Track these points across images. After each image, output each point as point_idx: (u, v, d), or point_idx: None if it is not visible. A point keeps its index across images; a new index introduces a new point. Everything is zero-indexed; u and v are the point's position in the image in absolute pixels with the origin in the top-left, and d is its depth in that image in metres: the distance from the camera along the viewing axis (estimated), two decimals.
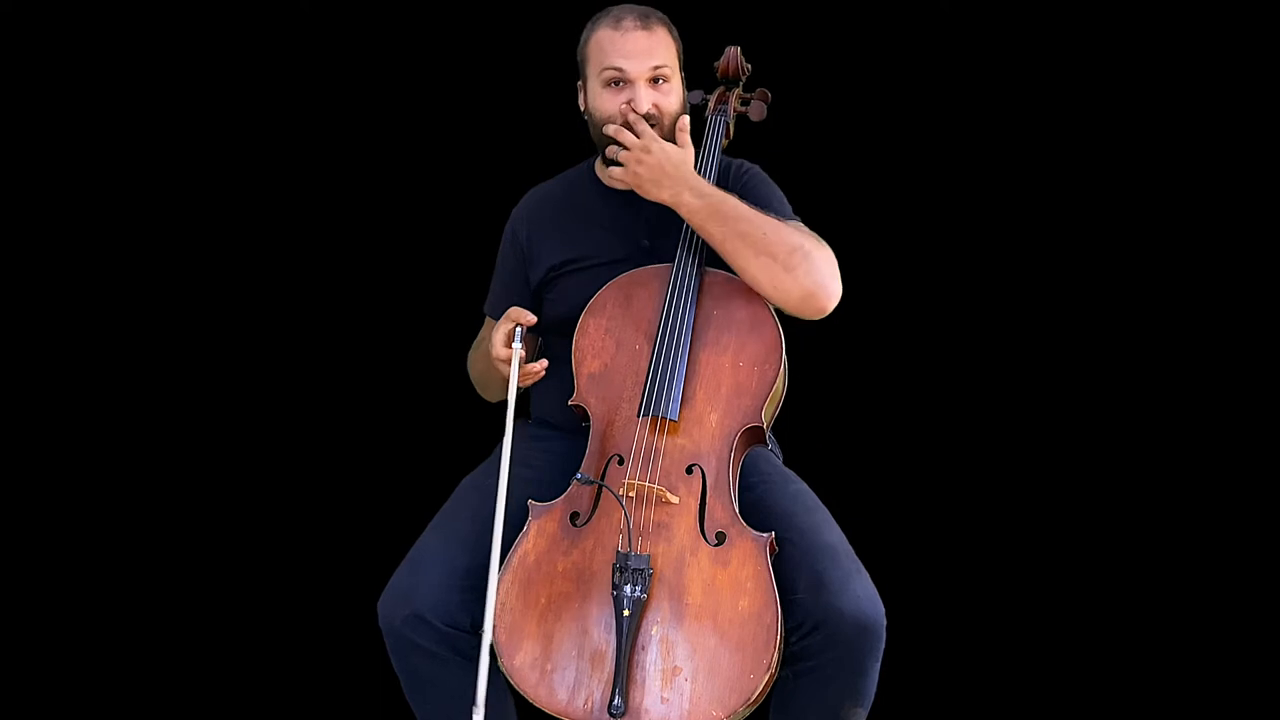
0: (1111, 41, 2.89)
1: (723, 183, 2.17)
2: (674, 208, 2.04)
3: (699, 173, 2.12)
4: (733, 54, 2.28)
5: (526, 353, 2.09)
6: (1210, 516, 2.89)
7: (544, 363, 2.04)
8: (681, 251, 2.07)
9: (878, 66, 2.94)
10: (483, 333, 2.32)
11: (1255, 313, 2.89)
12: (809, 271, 1.99)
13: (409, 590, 1.95)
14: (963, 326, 2.97)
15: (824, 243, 2.06)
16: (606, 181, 2.21)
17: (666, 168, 2.04)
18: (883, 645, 1.91)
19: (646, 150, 2.04)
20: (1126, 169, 2.92)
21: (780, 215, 2.10)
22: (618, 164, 2.07)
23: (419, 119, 3.04)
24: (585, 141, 2.24)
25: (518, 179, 2.41)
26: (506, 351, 2.00)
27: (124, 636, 2.98)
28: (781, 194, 2.22)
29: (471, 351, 2.31)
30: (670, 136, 2.12)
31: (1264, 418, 2.88)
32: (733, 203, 2.04)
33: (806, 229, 2.10)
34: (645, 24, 2.12)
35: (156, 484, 3.03)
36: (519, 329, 2.00)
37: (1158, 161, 2.90)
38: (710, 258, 2.08)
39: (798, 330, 2.09)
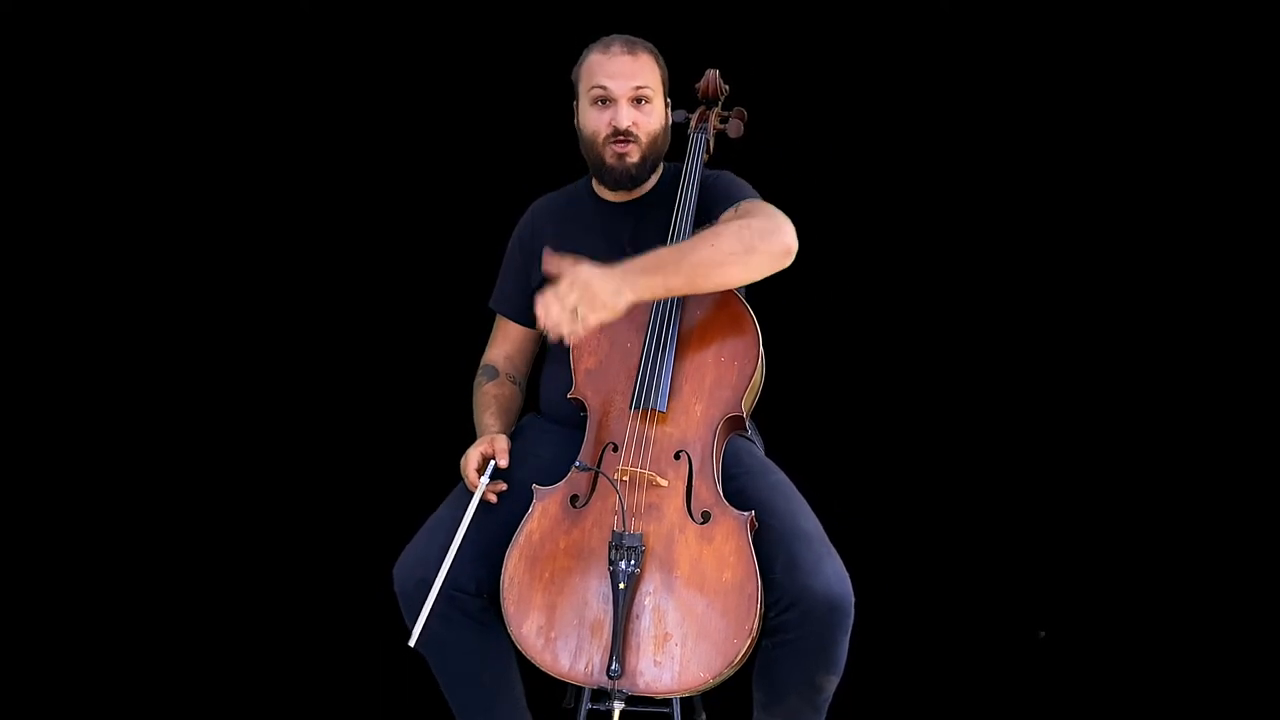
0: (1110, 53, 2.92)
1: (704, 193, 2.28)
2: (637, 300, 1.95)
3: (684, 186, 2.25)
4: (712, 76, 2.40)
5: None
6: (1169, 497, 2.97)
7: (502, 485, 2.13)
8: None
9: (843, 87, 2.99)
10: (492, 339, 2.43)
11: (1229, 313, 2.94)
12: (764, 238, 2.05)
13: (422, 557, 2.07)
14: (933, 330, 3.04)
15: (763, 204, 2.12)
16: (600, 192, 2.35)
17: (593, 286, 1.91)
18: (851, 620, 2.00)
19: (570, 286, 1.90)
20: (1118, 180, 2.95)
21: (734, 197, 2.19)
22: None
23: (428, 126, 3.06)
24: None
25: (524, 188, 2.51)
26: (474, 478, 2.12)
27: (161, 610, 3.03)
28: (744, 182, 2.28)
29: (475, 389, 2.38)
30: (650, 152, 2.27)
31: (1216, 414, 2.96)
32: (663, 251, 2.02)
33: (756, 203, 2.14)
34: (631, 50, 2.25)
35: (186, 475, 3.06)
36: (491, 464, 2.11)
37: (1155, 170, 2.93)
38: None
39: (781, 331, 2.20)
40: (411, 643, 1.99)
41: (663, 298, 2.08)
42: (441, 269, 3.01)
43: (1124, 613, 2.97)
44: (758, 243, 2.06)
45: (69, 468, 3.04)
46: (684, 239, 2.19)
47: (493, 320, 2.47)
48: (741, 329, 2.15)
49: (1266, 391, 2.92)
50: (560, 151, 2.48)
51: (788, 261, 2.08)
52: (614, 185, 2.31)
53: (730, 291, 2.18)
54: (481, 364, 2.41)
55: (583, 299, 1.90)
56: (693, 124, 2.38)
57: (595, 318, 1.92)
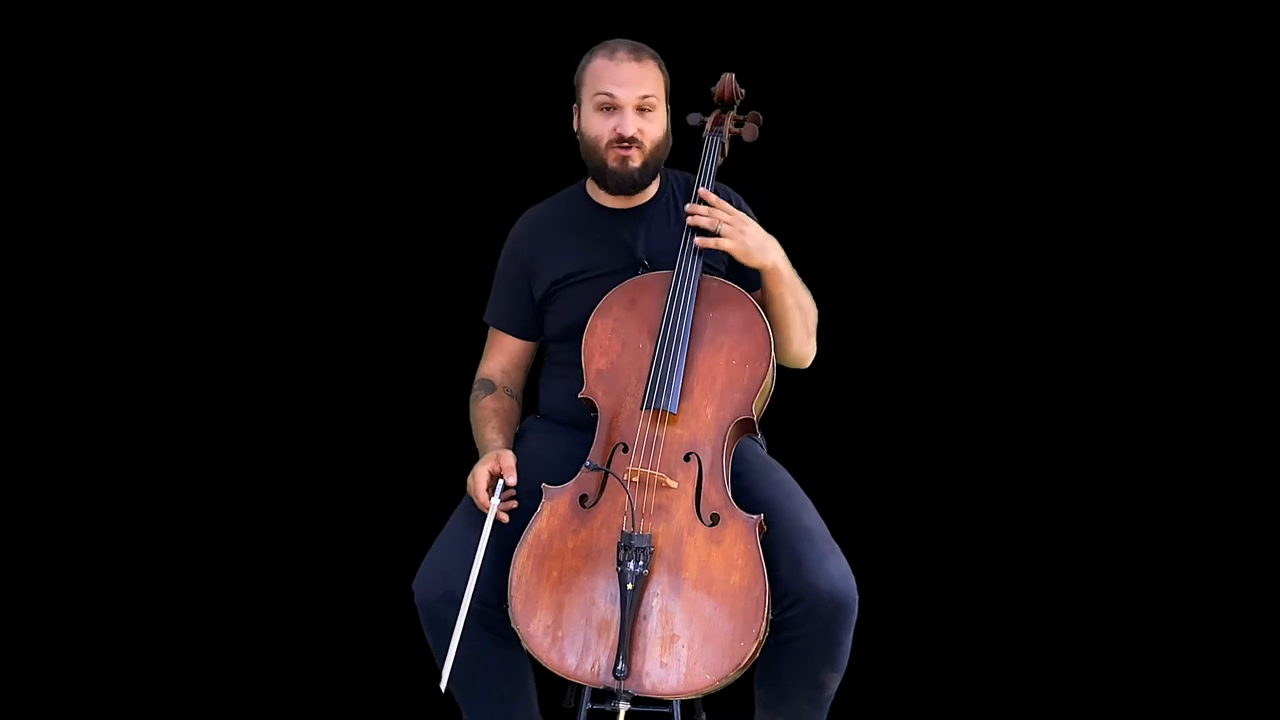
0: (1111, 49, 2.93)
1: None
2: (771, 271, 2.17)
3: (697, 192, 2.24)
4: (728, 79, 2.37)
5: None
6: (1168, 493, 3.00)
7: (514, 504, 2.09)
8: (681, 260, 2.17)
9: (859, 94, 3.00)
10: (487, 352, 2.40)
11: (1231, 314, 2.95)
12: (814, 338, 2.28)
13: (442, 570, 2.05)
14: (935, 331, 3.05)
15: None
16: (598, 199, 2.35)
17: (762, 238, 2.18)
18: (854, 618, 2.02)
19: (745, 222, 2.17)
20: (1123, 178, 2.96)
21: None
22: (708, 233, 2.15)
23: (418, 133, 3.06)
24: (578, 161, 2.34)
25: (514, 194, 2.49)
26: (485, 498, 2.07)
27: (179, 622, 3.03)
28: None
29: (472, 404, 2.34)
30: (653, 158, 2.27)
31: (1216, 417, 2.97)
32: (798, 278, 2.22)
33: None
34: (637, 56, 2.25)
35: (199, 486, 3.07)
36: (500, 483, 2.07)
37: (1157, 170, 2.94)
38: (707, 267, 2.21)
39: None
40: (442, 685, 1.97)
41: (774, 287, 2.19)
42: (432, 274, 3.01)
43: (1124, 613, 2.98)
44: (813, 341, 2.29)
45: (71, 483, 3.05)
46: (696, 251, 2.19)
47: (485, 330, 2.44)
48: (754, 332, 2.15)
49: (1266, 391, 2.94)
50: (548, 157, 2.47)
51: (795, 366, 2.29)
52: (616, 189, 2.30)
53: (744, 294, 2.19)
54: (477, 378, 2.38)
55: (735, 223, 2.15)
56: (708, 127, 2.36)
57: (731, 244, 2.14)
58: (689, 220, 2.18)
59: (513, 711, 2.14)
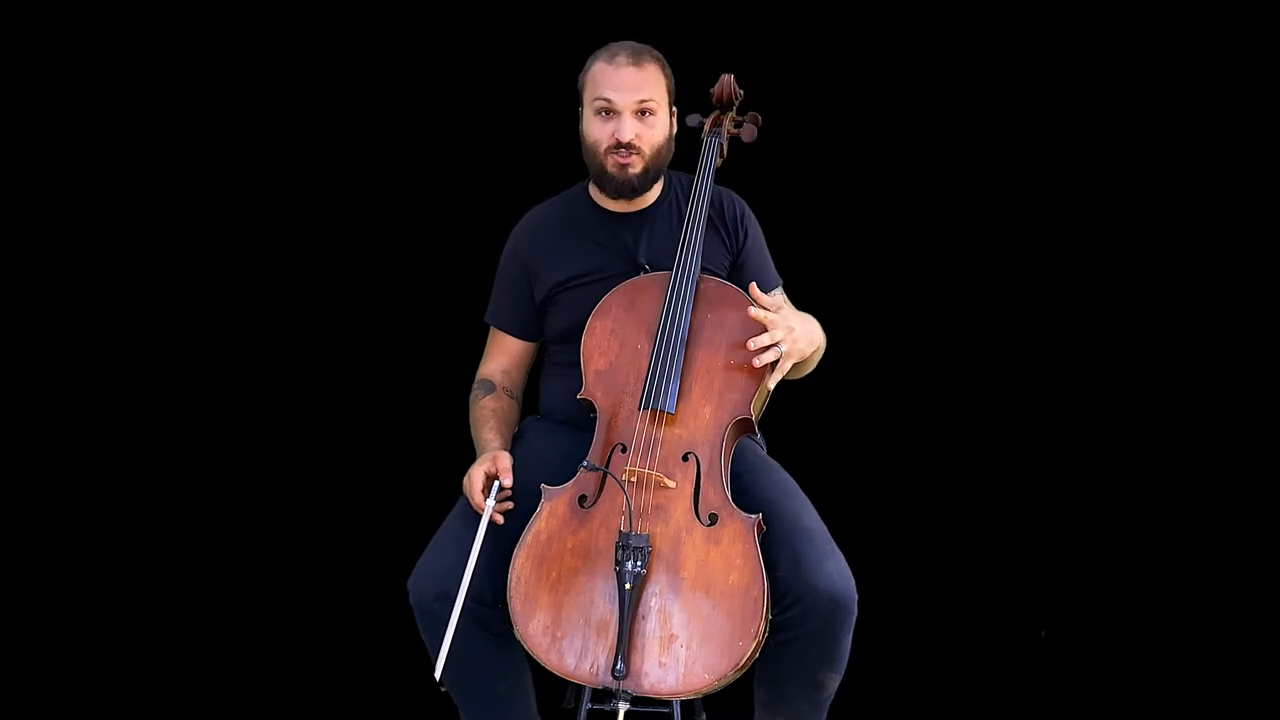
0: (1111, 50, 2.94)
1: (716, 206, 2.31)
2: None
3: (696, 193, 2.26)
4: (726, 81, 2.37)
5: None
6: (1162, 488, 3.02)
7: (509, 505, 2.10)
8: (680, 260, 2.18)
9: (858, 94, 3.01)
10: (487, 353, 2.40)
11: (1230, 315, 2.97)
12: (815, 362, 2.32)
13: (437, 570, 2.05)
14: (935, 331, 3.06)
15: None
16: (600, 202, 2.36)
17: (805, 328, 2.17)
18: (854, 618, 2.02)
19: (790, 328, 2.10)
20: (1123, 179, 2.97)
21: (770, 283, 2.29)
22: (769, 357, 2.08)
23: (422, 133, 3.07)
24: (579, 161, 2.33)
25: (516, 194, 2.49)
26: (480, 499, 2.07)
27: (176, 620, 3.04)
28: (770, 260, 2.38)
29: (472, 404, 2.34)
30: (653, 163, 2.27)
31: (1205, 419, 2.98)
32: (821, 335, 2.26)
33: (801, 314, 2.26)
34: (637, 60, 2.23)
35: (197, 486, 3.08)
36: (496, 485, 2.08)
37: (1157, 171, 2.95)
38: (705, 268, 2.22)
39: None
40: (436, 675, 1.98)
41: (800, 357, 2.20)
42: (433, 275, 3.02)
43: (1124, 613, 2.99)
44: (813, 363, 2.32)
45: (71, 482, 3.06)
46: (695, 253, 2.21)
47: (486, 331, 2.44)
48: (751, 333, 2.12)
49: (1266, 391, 2.94)
50: (550, 158, 2.47)
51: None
52: (615, 194, 2.31)
53: (742, 295, 2.18)
54: (477, 378, 2.38)
55: (786, 335, 2.09)
56: (706, 128, 2.37)
57: (795, 358, 2.13)
58: (757, 362, 2.10)
59: (510, 711, 2.14)
